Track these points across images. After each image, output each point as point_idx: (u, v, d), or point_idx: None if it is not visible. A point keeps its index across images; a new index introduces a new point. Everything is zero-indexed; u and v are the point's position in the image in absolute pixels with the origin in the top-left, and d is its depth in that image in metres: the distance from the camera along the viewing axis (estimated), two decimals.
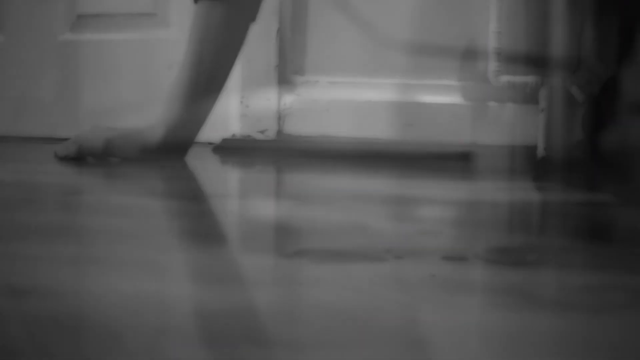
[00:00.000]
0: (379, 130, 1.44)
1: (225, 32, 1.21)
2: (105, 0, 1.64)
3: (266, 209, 0.86)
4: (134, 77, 1.61)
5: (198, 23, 1.21)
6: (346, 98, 1.46)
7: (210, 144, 1.45)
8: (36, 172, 1.12)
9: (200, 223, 0.76)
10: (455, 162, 1.34)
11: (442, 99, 1.43)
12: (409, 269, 0.55)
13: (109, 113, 1.56)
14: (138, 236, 0.65)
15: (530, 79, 1.38)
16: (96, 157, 1.18)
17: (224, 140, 1.48)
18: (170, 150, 1.20)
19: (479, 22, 1.41)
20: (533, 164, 1.27)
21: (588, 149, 1.23)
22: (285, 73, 1.50)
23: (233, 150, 1.45)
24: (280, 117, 1.49)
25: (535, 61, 1.29)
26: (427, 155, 1.35)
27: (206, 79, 1.21)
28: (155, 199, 0.91)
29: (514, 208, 0.91)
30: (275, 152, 1.43)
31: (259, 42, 1.46)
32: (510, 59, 1.34)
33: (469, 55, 1.35)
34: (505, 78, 1.40)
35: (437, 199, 0.95)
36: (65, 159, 1.18)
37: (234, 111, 1.50)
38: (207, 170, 1.24)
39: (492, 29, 1.40)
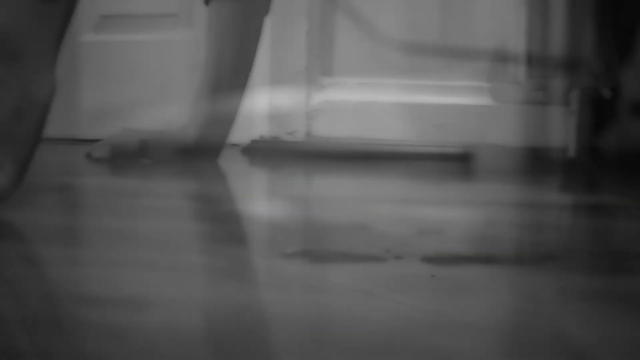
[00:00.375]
0: (408, 132, 1.44)
1: (241, 28, 1.22)
2: (128, 1, 1.64)
3: (298, 210, 0.86)
4: (157, 77, 1.60)
5: (213, 23, 1.22)
6: (374, 99, 1.46)
7: (238, 145, 1.45)
8: (76, 174, 1.12)
9: (253, 229, 0.76)
10: (460, 162, 1.33)
11: (471, 101, 1.43)
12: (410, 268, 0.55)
13: (133, 114, 1.56)
14: (192, 240, 0.65)
15: (560, 81, 1.38)
16: (129, 158, 1.18)
17: (253, 142, 1.47)
18: (204, 152, 1.21)
19: (509, 24, 1.41)
20: (562, 166, 1.27)
21: (589, 150, 1.23)
22: (314, 74, 1.49)
23: (262, 151, 1.45)
24: (308, 118, 1.49)
25: (565, 63, 1.29)
26: (444, 156, 1.35)
27: (229, 76, 1.22)
28: (205, 203, 0.91)
29: (536, 210, 0.91)
30: (303, 154, 1.43)
31: (288, 43, 1.46)
32: (540, 61, 1.34)
33: (499, 57, 1.35)
34: (534, 80, 1.40)
35: (473, 201, 0.95)
36: (99, 161, 1.18)
37: (263, 112, 1.50)
38: (237, 172, 1.24)
39: (522, 31, 1.40)
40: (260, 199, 0.99)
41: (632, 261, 0.60)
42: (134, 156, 1.18)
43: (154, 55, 1.61)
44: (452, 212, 0.85)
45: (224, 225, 0.76)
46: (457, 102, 1.43)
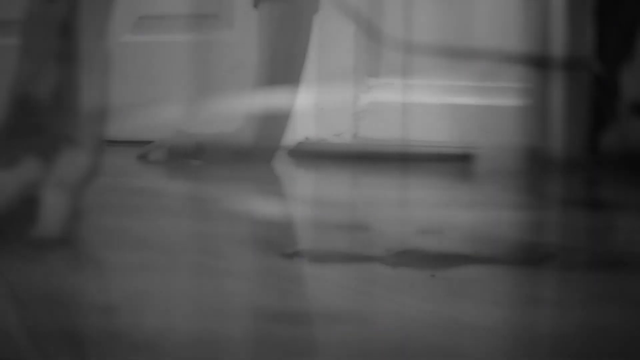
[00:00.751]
0: (455, 134, 1.43)
1: (292, 27, 1.24)
2: (167, 2, 1.63)
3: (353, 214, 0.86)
4: (197, 78, 1.59)
5: (264, 24, 1.24)
6: (422, 101, 1.45)
7: (285, 147, 1.44)
8: (134, 176, 1.11)
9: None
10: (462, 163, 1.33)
11: (515, 102, 1.42)
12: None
13: (176, 115, 1.55)
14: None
15: (560, 80, 1.37)
16: (185, 160, 1.19)
17: (300, 144, 1.46)
18: (259, 154, 1.21)
19: (549, 29, 1.40)
20: (562, 166, 1.26)
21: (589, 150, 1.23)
22: (361, 75, 1.49)
23: (308, 153, 1.44)
24: (355, 119, 1.48)
25: (565, 63, 1.29)
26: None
27: (283, 77, 1.22)
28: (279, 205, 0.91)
29: (536, 210, 0.91)
30: (350, 156, 1.42)
31: (335, 44, 1.46)
32: (540, 61, 1.34)
33: (542, 62, 1.34)
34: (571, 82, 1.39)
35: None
36: (154, 162, 1.18)
37: (310, 114, 1.49)
38: (287, 174, 1.24)
39: (559, 36, 1.39)
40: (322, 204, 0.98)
41: (632, 261, 0.60)
42: (190, 158, 1.19)
43: (195, 56, 1.59)
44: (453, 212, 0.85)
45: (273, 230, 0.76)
46: (503, 104, 1.42)
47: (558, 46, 1.32)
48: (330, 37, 1.26)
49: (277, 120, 1.23)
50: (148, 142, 1.22)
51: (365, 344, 0.39)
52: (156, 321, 0.42)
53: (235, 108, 1.25)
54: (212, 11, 1.60)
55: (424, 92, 1.46)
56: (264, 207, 0.88)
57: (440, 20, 1.46)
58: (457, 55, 1.40)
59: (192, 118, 1.49)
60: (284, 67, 1.23)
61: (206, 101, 1.53)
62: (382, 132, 1.47)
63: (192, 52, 1.59)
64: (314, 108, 1.48)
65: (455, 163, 1.34)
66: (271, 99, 1.21)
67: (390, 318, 0.43)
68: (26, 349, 0.37)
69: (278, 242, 0.66)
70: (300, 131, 1.48)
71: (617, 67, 1.26)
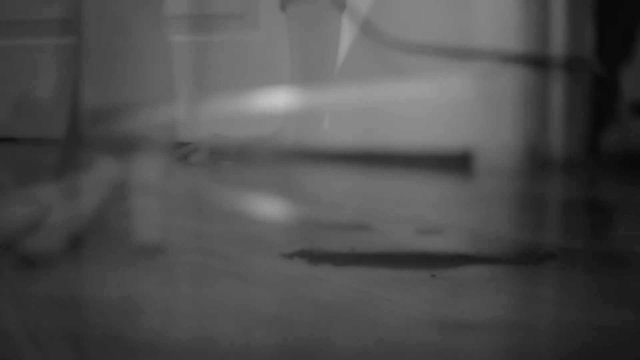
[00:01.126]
0: (454, 134, 1.43)
1: (321, 26, 1.24)
2: (193, 2, 1.62)
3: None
4: (223, 79, 1.59)
5: (293, 25, 1.24)
6: (422, 101, 1.46)
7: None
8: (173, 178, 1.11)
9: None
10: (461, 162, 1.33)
11: (514, 102, 1.42)
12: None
13: (209, 115, 1.55)
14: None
15: (559, 80, 1.37)
16: (225, 162, 1.19)
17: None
18: (299, 156, 1.21)
19: (549, 29, 1.40)
20: (562, 166, 1.27)
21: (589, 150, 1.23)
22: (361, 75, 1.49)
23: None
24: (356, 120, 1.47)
25: (565, 63, 1.29)
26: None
27: (316, 78, 1.23)
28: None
29: (536, 210, 0.91)
30: (350, 156, 1.42)
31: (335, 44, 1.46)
32: (540, 61, 1.34)
33: (542, 62, 1.34)
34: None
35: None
36: (195, 164, 1.19)
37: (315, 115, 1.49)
38: (288, 174, 1.24)
39: (559, 36, 1.39)
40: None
41: (632, 261, 0.60)
42: (231, 159, 1.19)
43: (222, 56, 1.59)
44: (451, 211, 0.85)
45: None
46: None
47: (558, 46, 1.32)
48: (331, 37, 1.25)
49: (314, 122, 1.23)
50: (186, 144, 1.22)
51: (365, 344, 0.39)
52: (156, 321, 0.42)
53: (268, 109, 1.25)
54: (239, 11, 1.59)
55: (424, 92, 1.46)
56: (264, 207, 0.88)
57: (440, 20, 1.46)
58: (456, 55, 1.40)
59: (224, 119, 1.49)
60: (316, 69, 1.23)
61: (235, 102, 1.53)
62: (382, 132, 1.47)
63: (219, 52, 1.58)
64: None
65: (455, 163, 1.34)
66: (307, 99, 1.21)
67: (390, 318, 0.43)
68: (26, 349, 0.38)
69: (278, 242, 0.66)
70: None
71: (617, 67, 1.26)
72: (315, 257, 0.57)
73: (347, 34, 1.27)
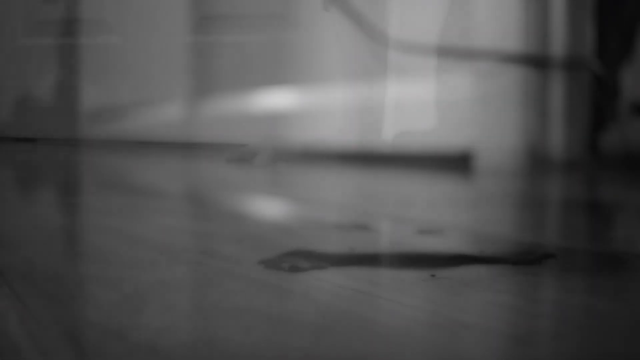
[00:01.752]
0: (454, 133, 1.43)
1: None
2: (232, 2, 1.62)
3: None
4: (263, 79, 1.58)
5: (337, 25, 1.25)
6: (421, 101, 1.46)
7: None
8: (244, 186, 1.11)
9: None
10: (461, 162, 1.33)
11: (514, 102, 1.42)
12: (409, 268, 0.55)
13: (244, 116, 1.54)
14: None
15: (559, 80, 1.37)
16: (288, 164, 1.20)
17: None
18: (362, 157, 1.22)
19: (549, 29, 1.40)
20: (562, 166, 1.26)
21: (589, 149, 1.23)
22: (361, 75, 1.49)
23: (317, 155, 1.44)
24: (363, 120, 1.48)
25: (565, 63, 1.29)
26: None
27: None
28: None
29: (536, 209, 0.91)
30: (351, 156, 1.42)
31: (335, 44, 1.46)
32: (540, 61, 1.34)
33: (542, 62, 1.34)
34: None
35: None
36: (258, 166, 1.19)
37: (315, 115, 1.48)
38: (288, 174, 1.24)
39: (559, 36, 1.39)
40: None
41: (632, 261, 0.60)
42: (293, 162, 1.20)
43: (261, 56, 1.58)
44: (452, 211, 0.85)
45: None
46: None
47: (558, 46, 1.32)
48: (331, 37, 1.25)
49: (376, 120, 1.23)
50: (238, 146, 1.22)
51: (365, 345, 0.39)
52: (156, 321, 0.42)
53: (327, 109, 1.25)
54: (278, 11, 1.58)
55: (424, 92, 1.46)
56: (265, 207, 0.88)
57: (440, 20, 1.46)
58: (456, 55, 1.40)
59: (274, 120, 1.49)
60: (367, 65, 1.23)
61: (283, 101, 1.52)
62: (382, 133, 1.47)
63: (258, 52, 1.58)
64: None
65: (455, 163, 1.34)
66: (309, 99, 1.21)
67: (390, 318, 0.44)
68: (26, 349, 0.38)
69: (278, 242, 0.66)
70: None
71: (617, 67, 1.26)
72: (315, 257, 0.57)
73: (347, 34, 1.27)
